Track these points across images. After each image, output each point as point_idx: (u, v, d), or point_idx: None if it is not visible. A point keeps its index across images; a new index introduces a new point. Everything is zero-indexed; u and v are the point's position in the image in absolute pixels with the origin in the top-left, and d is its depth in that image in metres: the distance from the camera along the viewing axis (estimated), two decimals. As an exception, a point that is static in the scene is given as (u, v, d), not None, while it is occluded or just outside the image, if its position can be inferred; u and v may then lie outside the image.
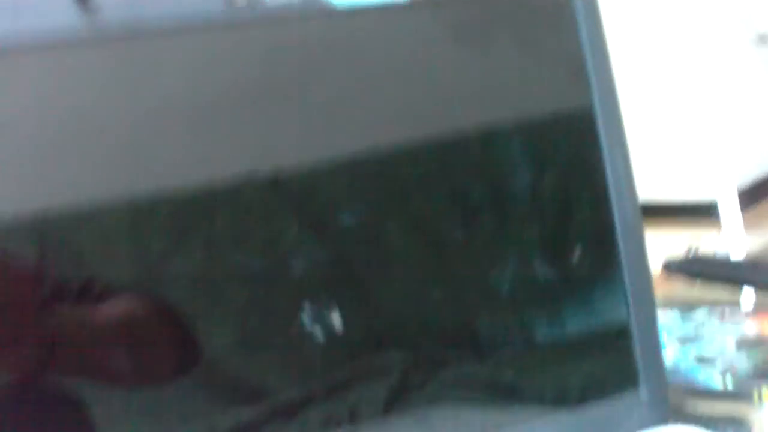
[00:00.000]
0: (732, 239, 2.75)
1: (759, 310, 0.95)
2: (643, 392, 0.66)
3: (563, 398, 0.65)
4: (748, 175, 3.02)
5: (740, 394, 0.80)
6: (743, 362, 0.83)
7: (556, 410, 0.65)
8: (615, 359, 0.66)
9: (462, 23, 0.62)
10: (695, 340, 0.87)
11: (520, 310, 0.65)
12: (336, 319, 0.58)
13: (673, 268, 1.02)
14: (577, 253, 0.65)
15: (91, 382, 0.54)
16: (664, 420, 0.67)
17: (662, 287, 1.00)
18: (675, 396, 0.74)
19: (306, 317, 0.58)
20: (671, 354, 0.84)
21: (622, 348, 0.66)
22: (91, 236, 0.55)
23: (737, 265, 1.03)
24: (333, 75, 0.59)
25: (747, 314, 0.94)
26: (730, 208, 2.83)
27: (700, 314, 0.93)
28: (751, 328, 0.90)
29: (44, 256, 0.53)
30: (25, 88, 0.53)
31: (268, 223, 0.58)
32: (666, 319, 0.91)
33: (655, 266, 0.84)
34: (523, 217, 0.65)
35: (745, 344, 0.87)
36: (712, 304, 0.95)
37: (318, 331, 0.58)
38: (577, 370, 0.66)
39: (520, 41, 0.64)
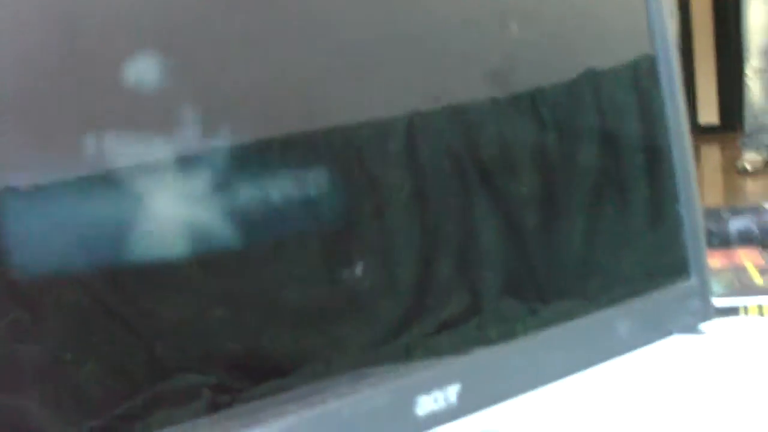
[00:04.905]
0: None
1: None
2: (694, 281, 0.66)
3: (622, 292, 0.64)
4: None
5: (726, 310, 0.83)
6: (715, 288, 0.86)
7: (615, 304, 0.64)
8: (669, 251, 0.67)
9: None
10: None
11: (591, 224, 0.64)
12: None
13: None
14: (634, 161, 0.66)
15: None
16: (710, 311, 0.67)
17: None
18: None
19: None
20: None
21: (675, 241, 0.66)
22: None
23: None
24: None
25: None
26: None
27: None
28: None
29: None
30: None
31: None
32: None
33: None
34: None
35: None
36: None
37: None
38: (633, 264, 0.66)
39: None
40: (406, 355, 0.55)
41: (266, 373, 0.51)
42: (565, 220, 0.63)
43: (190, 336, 0.49)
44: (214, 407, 0.48)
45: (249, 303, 0.51)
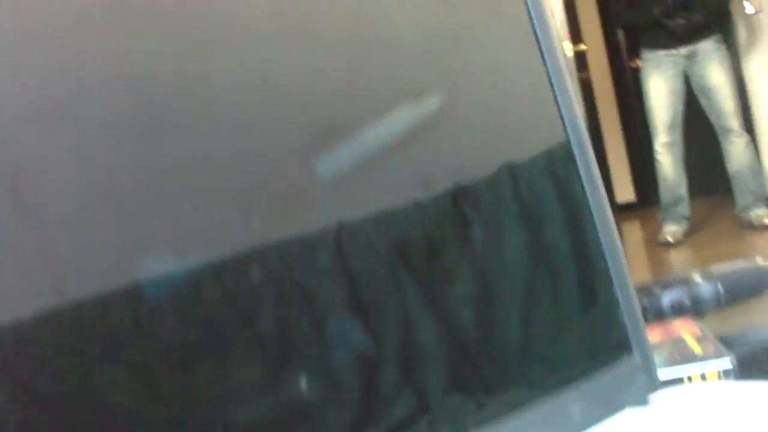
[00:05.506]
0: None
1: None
2: (637, 357, 0.69)
3: (566, 377, 0.66)
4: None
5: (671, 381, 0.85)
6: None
7: (560, 388, 0.66)
8: (608, 332, 0.69)
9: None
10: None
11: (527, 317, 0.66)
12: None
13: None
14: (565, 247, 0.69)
15: None
16: (656, 383, 0.70)
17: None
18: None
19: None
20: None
21: (613, 321, 0.69)
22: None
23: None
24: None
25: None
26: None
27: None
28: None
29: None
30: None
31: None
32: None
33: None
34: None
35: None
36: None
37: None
38: (575, 348, 0.68)
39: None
40: (364, 461, 0.55)
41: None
42: (502, 312, 0.65)
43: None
44: None
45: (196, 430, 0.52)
